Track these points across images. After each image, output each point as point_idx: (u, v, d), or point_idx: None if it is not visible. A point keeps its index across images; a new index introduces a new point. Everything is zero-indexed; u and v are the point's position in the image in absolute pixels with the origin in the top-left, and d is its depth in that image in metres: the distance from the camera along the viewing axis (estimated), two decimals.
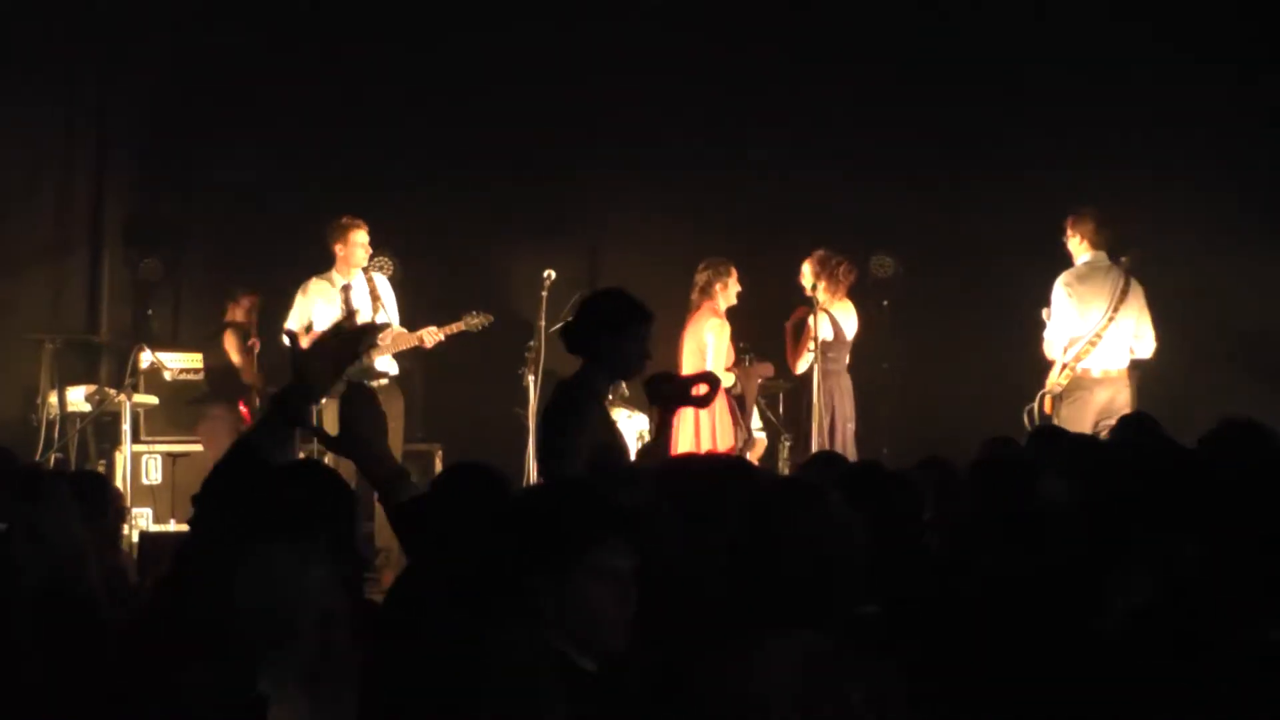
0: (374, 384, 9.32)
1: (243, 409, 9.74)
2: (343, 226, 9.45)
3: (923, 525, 4.41)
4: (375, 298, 9.50)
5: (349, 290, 9.46)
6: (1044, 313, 8.77)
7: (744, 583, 3.04)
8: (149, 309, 10.99)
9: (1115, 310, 8.61)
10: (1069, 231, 8.79)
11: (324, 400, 5.63)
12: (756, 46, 11.16)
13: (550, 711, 2.85)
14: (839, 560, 3.03)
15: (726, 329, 9.26)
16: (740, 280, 9.37)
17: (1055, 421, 8.27)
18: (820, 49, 11.06)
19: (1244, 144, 10.04)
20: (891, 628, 3.46)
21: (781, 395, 10.10)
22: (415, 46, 11.13)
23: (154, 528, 9.63)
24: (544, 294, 9.40)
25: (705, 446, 8.79)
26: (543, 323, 9.30)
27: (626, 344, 5.05)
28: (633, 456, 5.62)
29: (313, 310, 9.45)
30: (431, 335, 9.42)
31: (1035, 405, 8.63)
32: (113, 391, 9.96)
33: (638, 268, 10.10)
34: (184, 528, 5.00)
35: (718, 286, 9.29)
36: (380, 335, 9.42)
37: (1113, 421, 8.10)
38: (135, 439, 9.84)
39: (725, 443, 8.98)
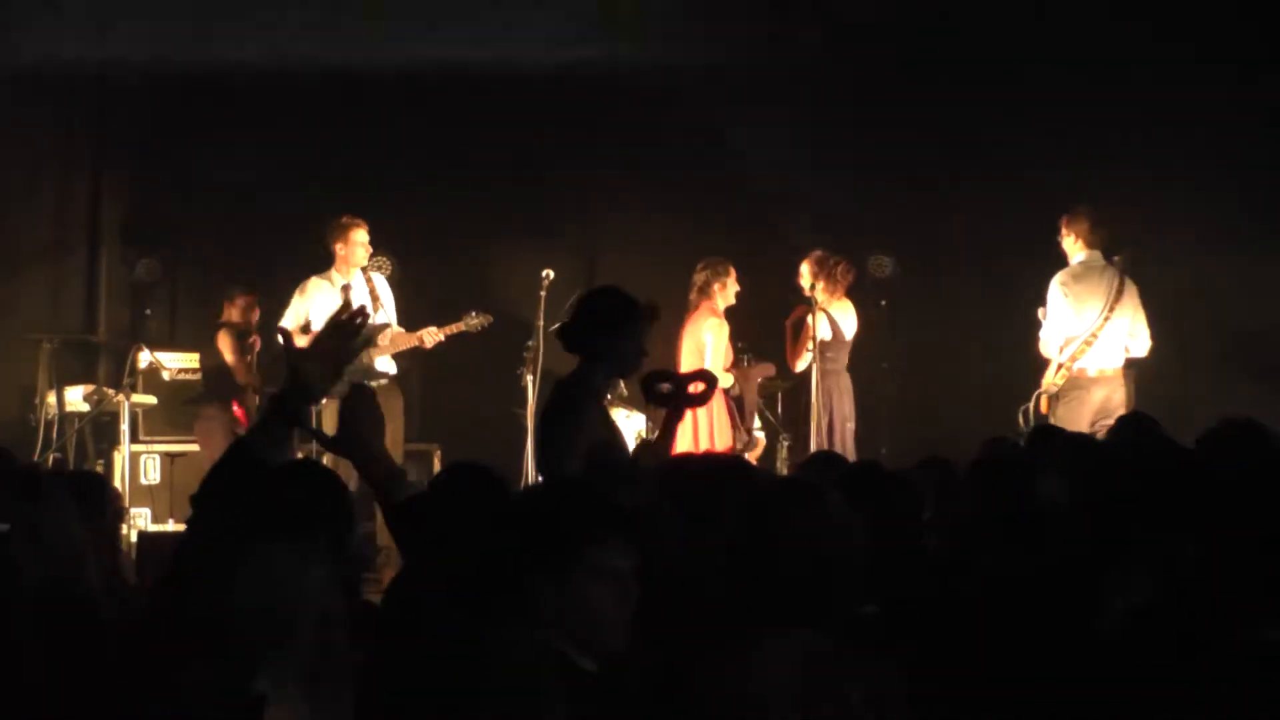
0: (373, 384, 9.34)
1: (237, 409, 9.71)
2: (343, 225, 9.46)
3: (922, 525, 4.41)
4: (375, 298, 9.51)
5: (349, 290, 9.46)
6: (1040, 312, 8.77)
7: (743, 583, 3.04)
8: (147, 309, 10.97)
9: (1111, 310, 8.62)
10: (1063, 231, 8.80)
11: (324, 400, 5.64)
12: (756, 46, 11.16)
13: (550, 711, 2.85)
14: (838, 560, 3.03)
15: (725, 329, 9.26)
16: (739, 280, 9.38)
17: (1052, 421, 8.27)
18: (820, 48, 11.05)
19: (1244, 144, 10.03)
20: (891, 628, 3.46)
21: (780, 395, 10.10)
22: (415, 46, 11.11)
23: (152, 528, 9.63)
24: (542, 294, 9.40)
25: (703, 448, 8.79)
26: (541, 322, 9.29)
27: (624, 342, 5.05)
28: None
29: (311, 309, 9.45)
30: (431, 335, 9.43)
31: (1031, 405, 8.63)
32: (111, 391, 9.97)
33: (637, 268, 10.09)
34: (182, 528, 5.00)
35: (716, 286, 9.30)
36: (380, 335, 9.43)
37: (1109, 421, 8.13)
38: (133, 439, 9.85)
39: (723, 444, 8.98)
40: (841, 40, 11.05)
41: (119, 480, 9.52)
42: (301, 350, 3.51)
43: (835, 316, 9.33)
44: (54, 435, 9.92)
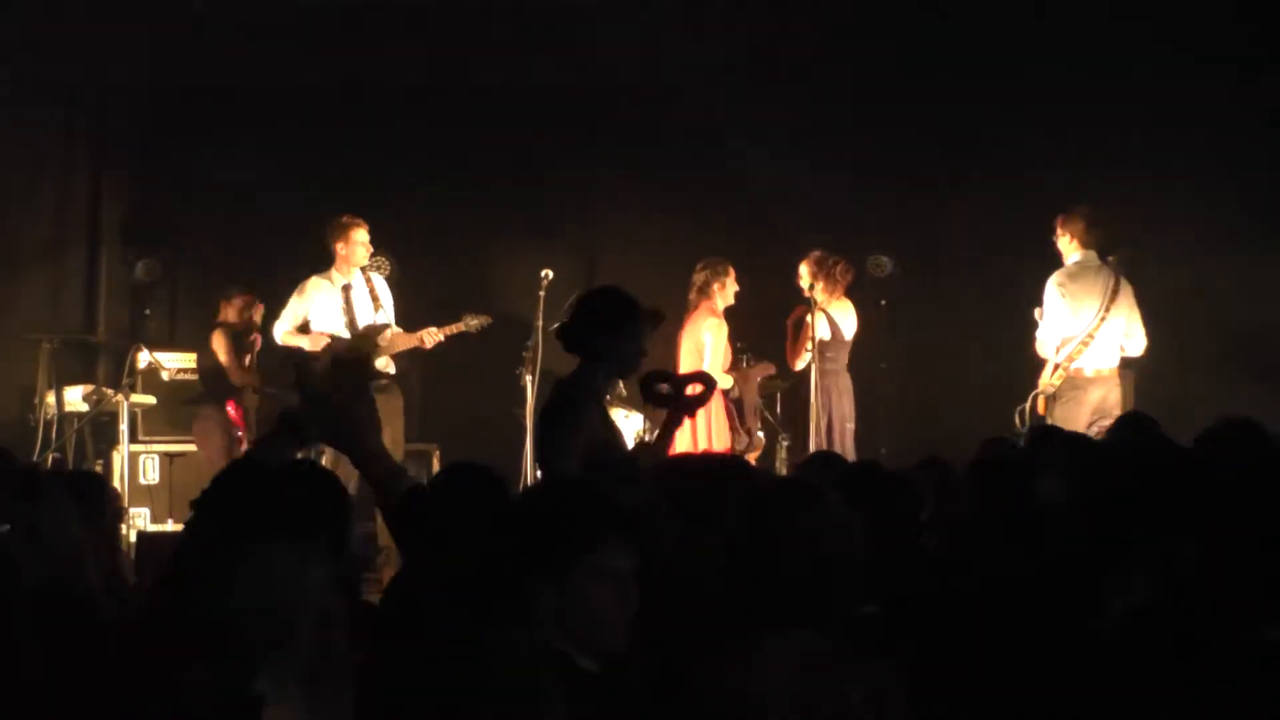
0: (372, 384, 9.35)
1: (232, 410, 9.68)
2: (344, 225, 9.46)
3: (921, 525, 4.41)
4: (374, 298, 9.52)
5: (350, 290, 9.46)
6: (1036, 312, 8.77)
7: (742, 583, 3.04)
8: (147, 309, 10.96)
9: (1108, 309, 8.62)
10: (1059, 231, 8.80)
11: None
12: (756, 46, 11.16)
13: (550, 711, 2.85)
14: (837, 560, 3.03)
15: (724, 329, 9.26)
16: (739, 280, 9.37)
17: (1049, 421, 8.27)
18: (819, 48, 11.05)
19: (1244, 144, 10.03)
20: (890, 628, 3.46)
21: (779, 395, 10.10)
22: (414, 46, 11.11)
23: (151, 528, 9.63)
24: (541, 294, 9.39)
25: (701, 449, 8.78)
26: (540, 322, 9.29)
27: (624, 342, 5.05)
28: None
29: (310, 309, 9.45)
30: (431, 336, 9.42)
31: (1027, 406, 8.63)
32: (110, 391, 9.96)
33: (637, 268, 10.10)
34: (181, 528, 5.00)
35: (715, 286, 9.30)
36: (379, 336, 9.43)
37: (1106, 421, 8.15)
38: (133, 439, 9.84)
39: (721, 447, 8.96)
40: (841, 40, 11.05)
41: (118, 480, 9.52)
42: (315, 400, 3.50)
43: (835, 316, 9.33)
44: (53, 435, 9.91)
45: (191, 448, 9.93)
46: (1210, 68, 9.99)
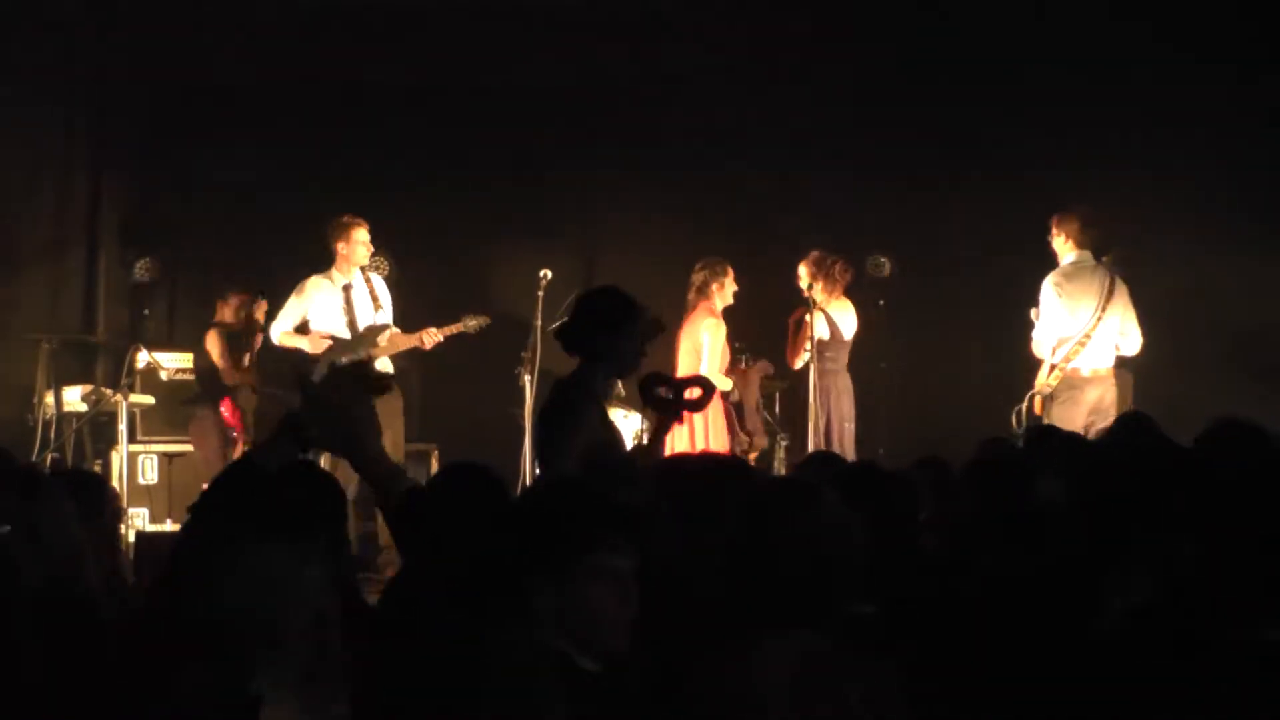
0: None
1: (227, 410, 9.67)
2: (344, 225, 9.46)
3: (920, 525, 4.40)
4: (374, 298, 9.52)
5: (350, 289, 9.46)
6: (1032, 313, 8.77)
7: (741, 583, 3.04)
8: (146, 309, 10.95)
9: (1104, 309, 8.62)
10: (1054, 231, 8.80)
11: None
12: (755, 45, 11.16)
13: (550, 711, 2.85)
14: (836, 560, 3.03)
15: (723, 329, 9.25)
16: (738, 280, 9.37)
17: (1046, 421, 8.27)
18: (819, 48, 11.05)
19: (1244, 144, 10.03)
20: (889, 627, 3.46)
21: (778, 395, 10.10)
22: (414, 46, 11.11)
23: (150, 528, 9.63)
24: (540, 294, 9.39)
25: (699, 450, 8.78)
26: (539, 323, 9.29)
27: (623, 342, 5.05)
28: None
29: (310, 309, 9.45)
30: (430, 336, 9.43)
31: (1024, 406, 8.63)
32: (109, 391, 9.95)
33: (636, 268, 10.09)
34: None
35: (714, 286, 9.29)
36: (379, 336, 9.43)
37: (1103, 420, 8.15)
38: (131, 439, 9.83)
39: (719, 449, 8.96)
40: (841, 40, 11.05)
41: (117, 480, 9.51)
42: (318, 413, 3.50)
43: (834, 316, 9.33)
44: (52, 435, 9.90)
45: (190, 448, 9.94)
46: (1210, 68, 9.99)
